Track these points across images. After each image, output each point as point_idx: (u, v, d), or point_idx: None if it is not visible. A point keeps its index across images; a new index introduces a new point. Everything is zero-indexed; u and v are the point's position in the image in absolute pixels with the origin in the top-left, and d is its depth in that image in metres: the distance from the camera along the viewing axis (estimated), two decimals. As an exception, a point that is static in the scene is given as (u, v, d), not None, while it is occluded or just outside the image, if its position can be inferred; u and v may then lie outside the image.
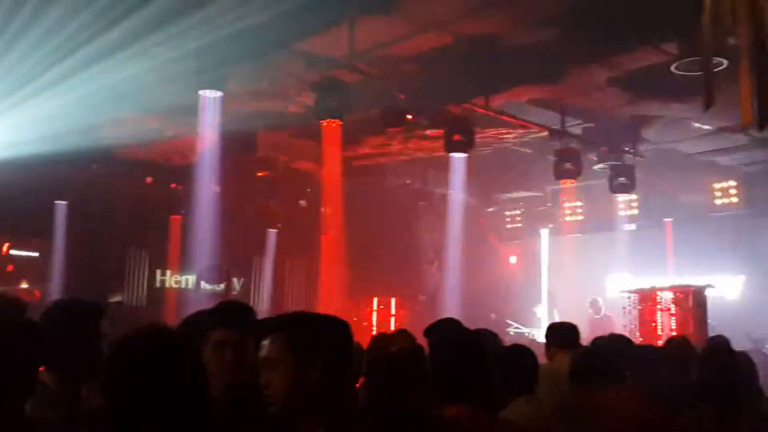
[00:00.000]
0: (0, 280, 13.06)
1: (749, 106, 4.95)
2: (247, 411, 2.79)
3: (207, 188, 14.10)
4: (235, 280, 14.34)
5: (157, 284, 14.77)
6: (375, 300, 13.76)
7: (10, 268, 13.32)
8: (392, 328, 13.01)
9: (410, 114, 9.10)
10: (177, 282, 14.88)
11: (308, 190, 14.50)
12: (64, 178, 12.47)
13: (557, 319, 11.05)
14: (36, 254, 13.55)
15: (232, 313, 3.43)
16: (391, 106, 9.04)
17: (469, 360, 3.15)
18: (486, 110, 9.94)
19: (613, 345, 5.44)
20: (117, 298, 14.03)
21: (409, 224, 15.22)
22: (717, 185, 13.67)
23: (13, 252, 13.38)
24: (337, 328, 2.58)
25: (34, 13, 6.06)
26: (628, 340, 5.80)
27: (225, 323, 3.31)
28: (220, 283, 13.64)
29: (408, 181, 14.31)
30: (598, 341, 5.59)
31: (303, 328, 2.49)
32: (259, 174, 13.89)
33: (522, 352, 4.73)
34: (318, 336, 2.49)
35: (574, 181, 11.41)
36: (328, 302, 15.28)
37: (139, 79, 7.63)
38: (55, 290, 12.20)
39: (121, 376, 2.07)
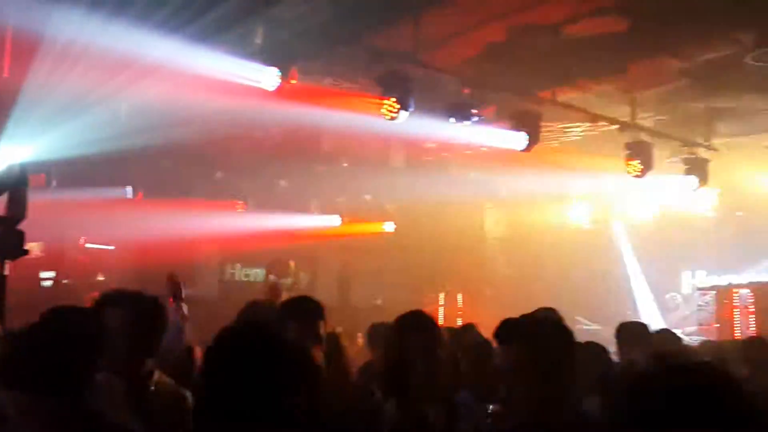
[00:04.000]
0: (76, 273, 13.54)
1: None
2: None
3: (273, 182, 14.39)
4: (302, 273, 14.51)
5: (227, 277, 15.08)
6: (441, 295, 13.73)
7: (86, 260, 13.78)
8: (459, 323, 12.93)
9: (476, 108, 9.02)
10: (246, 275, 15.17)
11: (372, 185, 14.56)
12: (136, 174, 12.84)
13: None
14: (111, 247, 13.99)
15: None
16: (457, 100, 8.98)
17: None
18: (553, 103, 9.80)
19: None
20: (187, 291, 14.36)
21: (475, 218, 15.12)
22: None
23: (88, 245, 13.83)
24: None
25: (111, 15, 6.26)
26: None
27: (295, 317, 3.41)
28: (288, 276, 13.82)
29: (473, 175, 14.19)
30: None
31: None
32: (324, 168, 14.01)
33: (595, 350, 4.64)
34: None
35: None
36: (394, 297, 15.35)
37: (209, 78, 7.78)
38: (128, 283, 12.55)
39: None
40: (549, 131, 10.92)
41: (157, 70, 7.23)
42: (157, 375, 3.15)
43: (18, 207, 5.95)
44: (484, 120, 9.47)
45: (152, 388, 3.09)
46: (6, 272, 5.94)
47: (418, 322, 3.15)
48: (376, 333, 5.98)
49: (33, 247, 6.03)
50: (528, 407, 2.51)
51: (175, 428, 2.94)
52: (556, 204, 15.36)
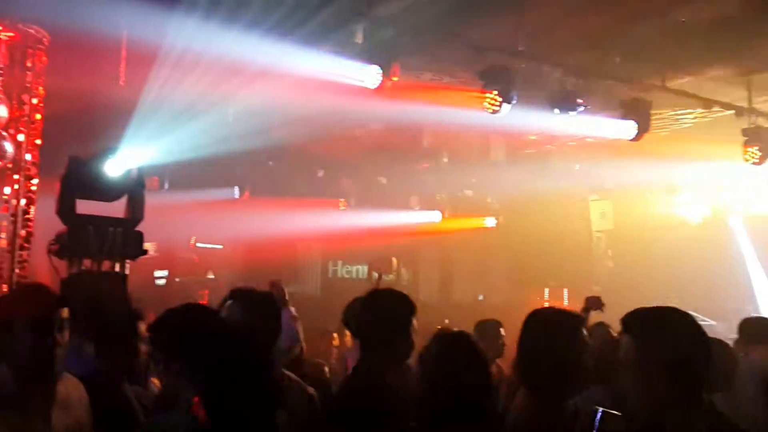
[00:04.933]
0: (187, 271, 14.07)
1: None
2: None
3: (374, 180, 14.52)
4: (403, 270, 14.56)
5: (330, 274, 15.32)
6: (546, 291, 13.46)
7: (196, 259, 14.30)
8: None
9: (581, 98, 8.78)
10: (348, 272, 15.37)
11: (473, 180, 14.46)
12: (243, 175, 13.24)
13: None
14: (220, 246, 14.47)
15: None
16: (561, 91, 8.76)
17: None
18: (663, 90, 9.42)
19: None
20: (291, 288, 14.67)
21: (580, 211, 14.75)
22: None
23: (198, 244, 14.35)
24: None
25: (222, 24, 6.47)
26: None
27: None
28: (390, 273, 13.90)
29: (577, 167, 13.86)
30: None
31: None
32: (425, 165, 14.01)
33: (718, 346, 4.43)
34: None
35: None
36: (496, 292, 15.19)
37: (312, 79, 7.91)
38: (236, 280, 12.93)
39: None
40: (659, 119, 10.50)
41: (263, 74, 7.41)
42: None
43: (136, 209, 6.22)
44: (589, 110, 9.20)
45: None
46: (127, 272, 6.22)
47: (557, 320, 3.07)
48: (483, 329, 5.92)
49: (148, 247, 6.28)
50: (653, 402, 2.39)
51: (304, 423, 3.03)
52: (667, 195, 14.76)
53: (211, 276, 14.14)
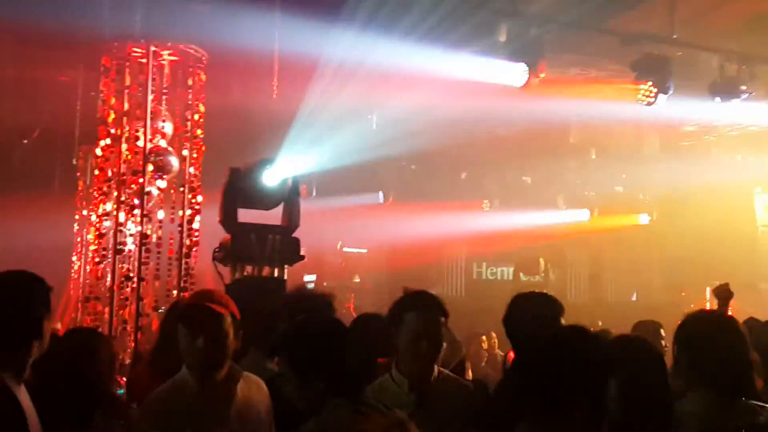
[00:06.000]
0: (335, 276, 14.43)
1: None
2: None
3: (518, 179, 14.27)
4: (551, 271, 14.21)
5: (474, 276, 15.21)
6: (707, 290, 12.64)
7: (343, 264, 14.63)
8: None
9: (744, 85, 8.21)
10: (492, 274, 15.20)
11: (624, 176, 13.88)
12: (386, 179, 13.41)
13: None
14: (364, 250, 14.73)
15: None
16: (722, 78, 8.23)
17: None
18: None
19: None
20: (436, 290, 14.69)
21: (743, 205, 13.79)
22: None
23: (345, 249, 14.67)
24: None
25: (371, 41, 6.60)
26: None
27: None
28: (537, 274, 13.60)
29: (739, 158, 12.98)
30: None
31: None
32: (572, 162, 13.60)
33: None
34: None
35: None
36: (651, 292, 14.50)
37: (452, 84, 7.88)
38: (381, 285, 13.11)
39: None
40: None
41: (410, 81, 7.46)
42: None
43: (293, 216, 6.44)
44: (753, 97, 8.58)
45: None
46: (285, 276, 6.44)
47: (718, 323, 2.94)
48: (642, 331, 5.64)
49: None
50: None
51: (458, 413, 3.11)
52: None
53: (357, 280, 14.42)
